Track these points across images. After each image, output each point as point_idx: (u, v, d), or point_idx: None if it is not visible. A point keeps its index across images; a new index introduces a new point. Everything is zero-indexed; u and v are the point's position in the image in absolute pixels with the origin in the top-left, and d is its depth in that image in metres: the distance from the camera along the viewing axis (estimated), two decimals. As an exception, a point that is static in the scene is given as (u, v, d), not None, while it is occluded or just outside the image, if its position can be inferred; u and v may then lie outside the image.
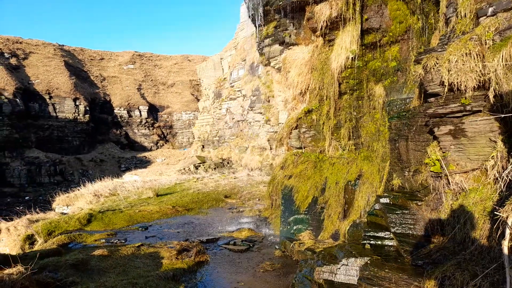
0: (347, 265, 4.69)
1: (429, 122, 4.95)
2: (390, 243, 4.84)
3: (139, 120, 56.46)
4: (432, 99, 4.99)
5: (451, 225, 4.40)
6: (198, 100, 55.22)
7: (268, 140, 25.97)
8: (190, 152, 41.30)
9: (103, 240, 9.69)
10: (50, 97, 45.48)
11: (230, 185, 19.80)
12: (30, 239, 10.40)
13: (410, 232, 4.81)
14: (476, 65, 4.33)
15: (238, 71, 35.11)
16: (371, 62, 8.24)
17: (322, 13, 8.47)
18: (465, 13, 5.18)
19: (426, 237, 4.65)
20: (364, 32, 8.10)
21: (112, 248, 8.13)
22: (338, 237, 7.70)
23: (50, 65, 48.60)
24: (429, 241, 4.57)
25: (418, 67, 5.25)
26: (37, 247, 9.85)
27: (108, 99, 55.05)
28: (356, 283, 4.44)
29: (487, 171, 4.29)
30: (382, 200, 5.32)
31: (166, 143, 58.05)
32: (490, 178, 4.22)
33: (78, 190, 19.80)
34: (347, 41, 8.13)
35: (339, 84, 8.73)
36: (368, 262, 4.44)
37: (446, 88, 4.62)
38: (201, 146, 39.09)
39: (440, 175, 4.79)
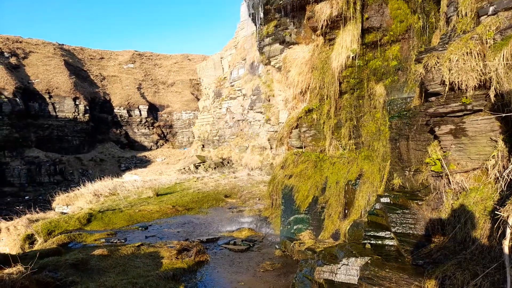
0: (347, 264, 4.68)
1: (430, 122, 4.94)
2: (391, 243, 4.83)
3: (139, 119, 56.44)
4: (433, 99, 4.98)
5: (451, 225, 4.39)
6: (198, 99, 55.19)
7: (269, 140, 25.95)
8: (190, 151, 41.29)
9: (103, 240, 9.69)
10: (50, 97, 45.46)
11: (230, 185, 19.79)
12: (30, 239, 10.39)
13: (411, 232, 4.80)
14: (477, 64, 4.32)
15: (238, 70, 35.09)
16: (371, 61, 8.23)
17: (323, 12, 8.46)
18: (466, 12, 5.16)
19: (427, 237, 4.64)
20: (364, 31, 8.09)
21: (112, 247, 8.12)
22: (338, 237, 7.69)
23: (50, 64, 48.57)
24: (429, 241, 4.57)
25: (419, 66, 5.24)
26: (37, 246, 9.85)
27: (108, 99, 55.03)
28: (356, 283, 4.44)
29: (487, 170, 4.28)
30: (383, 200, 5.31)
31: (166, 143, 58.03)
32: (490, 178, 4.21)
33: (78, 189, 19.78)
34: (347, 40, 8.11)
35: (340, 83, 8.71)
36: (369, 261, 4.43)
37: (447, 87, 4.61)
38: (201, 146, 39.08)
39: (441, 174, 4.78)
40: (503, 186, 3.95)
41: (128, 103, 56.10)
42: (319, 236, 8.31)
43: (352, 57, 8.17)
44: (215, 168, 30.86)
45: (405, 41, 7.73)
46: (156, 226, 11.60)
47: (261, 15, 10.55)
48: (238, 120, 33.82)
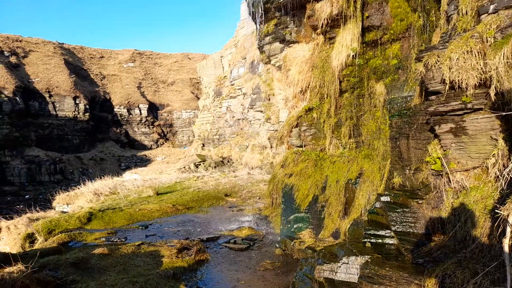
0: (347, 263, 4.69)
1: (430, 120, 4.94)
2: (391, 242, 4.83)
3: (139, 118, 56.42)
4: (433, 97, 4.97)
5: (451, 224, 4.39)
6: (198, 98, 55.15)
7: (269, 139, 25.96)
8: (190, 150, 41.28)
9: (103, 239, 9.70)
10: (50, 96, 45.45)
11: (231, 184, 19.79)
12: (30, 238, 10.40)
13: (411, 231, 4.80)
14: (477, 62, 4.31)
15: (239, 69, 35.06)
16: (372, 60, 8.22)
17: (323, 10, 8.45)
18: (466, 11, 5.16)
19: (427, 236, 4.64)
20: (365, 30, 8.08)
21: (112, 246, 8.13)
22: (338, 236, 7.70)
23: (50, 63, 48.54)
24: (429, 240, 4.57)
25: (419, 65, 5.24)
26: (37, 245, 9.86)
27: (108, 98, 55.00)
28: (356, 282, 4.44)
29: (488, 169, 4.28)
30: (383, 199, 5.31)
31: (166, 142, 58.03)
32: (491, 176, 4.21)
33: (78, 188, 19.80)
34: (348, 39, 8.10)
35: (340, 82, 8.71)
36: (369, 260, 4.43)
37: (447, 86, 4.60)
38: (201, 145, 39.08)
39: (441, 173, 4.78)
40: (503, 185, 3.95)
41: (128, 102, 56.09)
42: (319, 235, 8.32)
43: (353, 55, 8.17)
44: (215, 167, 30.87)
45: (405, 39, 7.73)
46: (156, 225, 11.61)
47: (261, 13, 10.54)
48: (238, 119, 33.81)
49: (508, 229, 3.23)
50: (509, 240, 3.20)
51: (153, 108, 59.37)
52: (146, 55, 66.06)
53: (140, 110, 56.83)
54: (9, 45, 46.41)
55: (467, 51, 4.41)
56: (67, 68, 49.92)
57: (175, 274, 6.75)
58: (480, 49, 4.36)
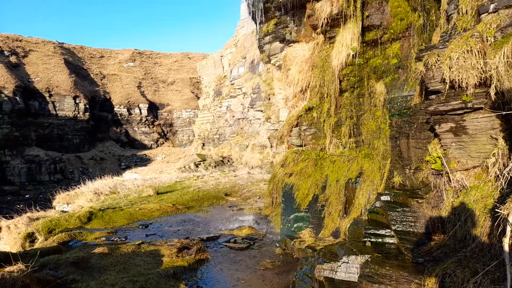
0: (347, 262, 4.69)
1: (430, 120, 4.94)
2: (391, 241, 4.84)
3: (139, 118, 56.42)
4: (433, 97, 4.97)
5: (452, 223, 4.39)
6: (198, 98, 55.15)
7: (269, 138, 25.96)
8: (190, 150, 41.29)
9: (104, 238, 9.70)
10: (50, 95, 45.45)
11: (231, 183, 19.80)
12: (30, 237, 10.41)
13: (411, 230, 4.80)
14: (477, 62, 4.31)
15: (239, 69, 35.05)
16: (372, 60, 8.22)
17: (323, 10, 8.45)
18: (466, 10, 5.15)
19: (427, 235, 4.64)
20: (365, 29, 8.08)
21: (112, 246, 8.13)
22: (338, 235, 7.70)
23: (50, 63, 48.53)
24: (429, 239, 4.57)
25: (419, 64, 5.23)
26: (37, 245, 9.87)
27: (108, 97, 55.00)
28: (356, 281, 4.44)
29: (488, 168, 4.28)
30: (383, 198, 5.31)
31: (166, 141, 58.02)
32: (491, 176, 4.21)
33: (79, 188, 19.81)
34: (348, 38, 8.10)
35: (340, 81, 8.71)
36: (369, 259, 4.43)
37: (447, 85, 4.60)
38: (202, 144, 39.08)
39: (441, 172, 4.78)
40: (503, 184, 3.95)
41: (128, 101, 56.08)
42: (319, 234, 8.32)
43: (353, 55, 8.16)
44: (215, 166, 30.87)
45: (405, 39, 7.72)
46: (156, 225, 11.62)
47: (261, 13, 10.53)
48: (238, 119, 33.81)
49: (508, 228, 3.24)
50: (509, 239, 3.20)
51: (153, 108, 59.37)
52: (146, 54, 66.04)
53: (140, 110, 56.83)
54: (9, 44, 46.41)
55: (467, 51, 4.40)
56: (67, 67, 49.91)
57: (175, 273, 6.75)
58: (480, 49, 4.36)
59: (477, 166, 4.44)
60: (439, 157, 4.81)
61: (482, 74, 4.27)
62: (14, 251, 8.86)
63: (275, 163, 19.09)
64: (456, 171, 4.60)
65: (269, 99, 27.67)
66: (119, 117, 54.87)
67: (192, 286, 6.45)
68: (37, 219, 11.94)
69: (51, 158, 41.33)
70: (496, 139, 4.20)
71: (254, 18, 11.00)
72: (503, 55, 4.10)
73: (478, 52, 4.34)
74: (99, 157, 46.49)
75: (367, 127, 8.21)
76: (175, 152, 51.28)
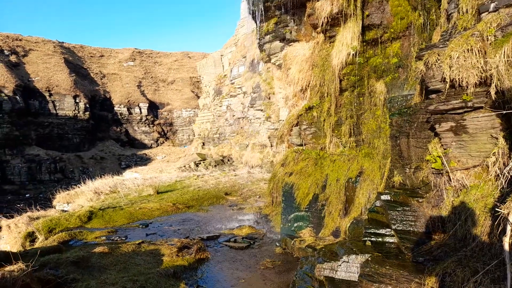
0: (348, 262, 4.69)
1: (431, 119, 4.94)
2: (391, 240, 4.84)
3: (139, 117, 56.42)
4: (433, 96, 4.97)
5: (452, 222, 4.39)
6: (198, 97, 55.17)
7: (269, 137, 25.96)
8: (191, 149, 41.29)
9: (104, 238, 9.71)
10: (50, 95, 45.44)
11: (231, 183, 19.81)
12: (30, 237, 10.42)
13: (411, 229, 4.80)
14: (477, 61, 4.30)
15: (239, 68, 35.04)
16: (372, 59, 8.21)
17: (323, 9, 8.44)
18: (466, 9, 5.15)
19: (427, 234, 4.64)
20: (365, 28, 8.07)
21: (112, 245, 8.14)
22: (338, 234, 7.70)
23: (50, 62, 48.51)
24: (430, 238, 4.57)
25: (419, 64, 5.23)
26: (37, 244, 9.88)
27: (108, 96, 54.99)
28: (356, 280, 4.44)
29: (488, 167, 4.28)
30: (383, 197, 5.31)
31: (166, 141, 58.03)
32: (491, 175, 4.21)
33: (79, 187, 19.81)
34: (348, 37, 8.09)
35: (340, 80, 8.70)
36: (369, 259, 4.44)
37: (447, 85, 4.59)
38: (202, 144, 39.08)
39: (441, 172, 4.78)
40: (503, 183, 3.95)
41: (128, 101, 56.08)
42: (319, 233, 8.32)
43: (353, 54, 8.15)
44: (215, 166, 30.88)
45: (405, 38, 7.71)
46: (156, 224, 11.62)
47: (261, 12, 10.52)
48: (239, 118, 33.81)
49: (509, 228, 3.23)
50: (510, 239, 3.20)
51: (153, 107, 59.36)
52: (146, 54, 66.01)
53: (140, 109, 56.83)
54: (9, 44, 46.38)
55: (468, 50, 4.40)
56: (67, 67, 49.89)
57: (176, 273, 6.76)
58: (481, 48, 4.35)
59: (477, 165, 4.44)
60: (439, 156, 4.81)
61: (482, 73, 4.27)
62: (14, 250, 8.86)
63: (275, 163, 19.08)
64: (457, 170, 4.60)
65: (269, 98, 27.66)
66: (119, 117, 54.88)
67: (192, 285, 6.45)
68: (38, 218, 11.94)
69: (51, 158, 41.33)
70: (497, 138, 4.20)
71: (254, 17, 10.99)
72: (504, 54, 4.09)
73: (478, 51, 4.34)
74: (99, 157, 46.49)
75: (367, 126, 8.21)
76: (175, 152, 51.29)
